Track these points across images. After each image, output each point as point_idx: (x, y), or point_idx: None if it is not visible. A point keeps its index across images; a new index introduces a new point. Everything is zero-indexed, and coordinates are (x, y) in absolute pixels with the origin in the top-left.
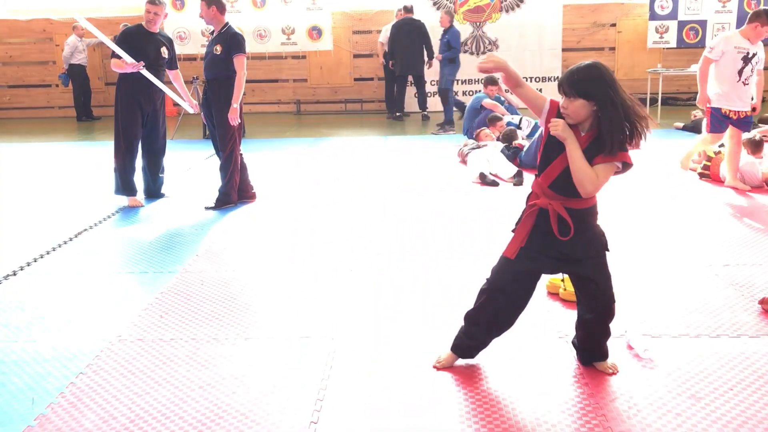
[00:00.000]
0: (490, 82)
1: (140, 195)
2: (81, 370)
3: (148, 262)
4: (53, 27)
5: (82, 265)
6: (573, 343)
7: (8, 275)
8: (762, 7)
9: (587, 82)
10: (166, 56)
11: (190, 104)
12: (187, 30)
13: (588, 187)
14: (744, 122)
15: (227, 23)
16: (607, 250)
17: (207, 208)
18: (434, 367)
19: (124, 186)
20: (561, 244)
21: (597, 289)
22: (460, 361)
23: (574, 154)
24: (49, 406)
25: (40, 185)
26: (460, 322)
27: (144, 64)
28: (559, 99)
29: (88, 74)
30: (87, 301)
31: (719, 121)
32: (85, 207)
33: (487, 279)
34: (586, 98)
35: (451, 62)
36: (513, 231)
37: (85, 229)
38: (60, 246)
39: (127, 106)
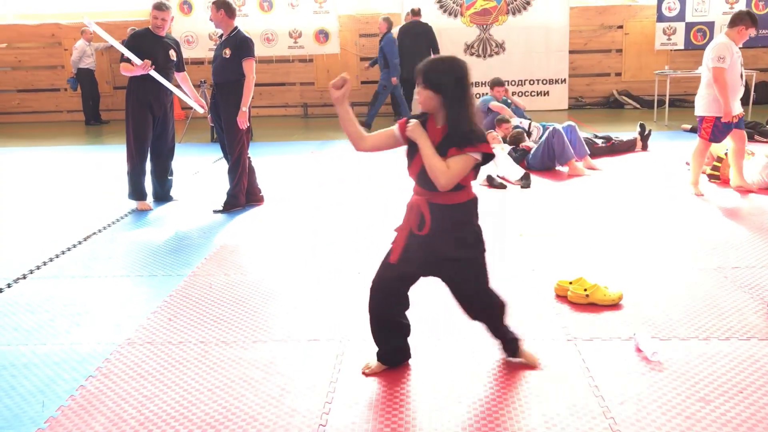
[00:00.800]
0: (497, 83)
1: (149, 198)
2: (90, 373)
3: (157, 265)
4: (62, 31)
5: (92, 268)
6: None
7: (18, 278)
8: (743, 8)
9: (437, 75)
10: (174, 59)
11: (199, 104)
12: (194, 34)
13: (440, 180)
14: (741, 121)
15: (236, 27)
16: (478, 253)
17: (215, 212)
18: (363, 372)
19: (135, 190)
20: (436, 242)
21: (472, 292)
22: (460, 364)
23: (425, 150)
24: (60, 409)
25: (49, 189)
26: (465, 325)
27: (152, 64)
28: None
29: (96, 78)
30: (96, 305)
31: (722, 129)
32: (94, 210)
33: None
34: (434, 90)
35: (386, 68)
36: (395, 230)
37: (94, 233)
38: (69, 249)
39: (138, 110)
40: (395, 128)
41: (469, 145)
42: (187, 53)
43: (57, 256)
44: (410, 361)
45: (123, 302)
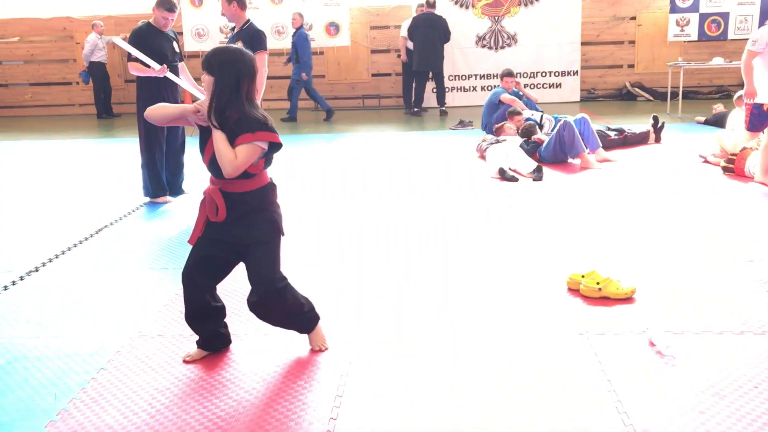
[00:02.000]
0: (507, 74)
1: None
2: (102, 366)
3: (168, 258)
4: (73, 25)
5: (104, 261)
6: None
7: (30, 271)
8: None
9: (217, 62)
10: (178, 51)
11: (200, 92)
12: (205, 27)
13: (227, 168)
14: None
15: (248, 20)
16: (282, 235)
17: None
18: (184, 360)
19: (154, 187)
20: (231, 229)
21: (258, 273)
22: (472, 358)
23: (215, 137)
24: (71, 402)
25: (61, 182)
26: (478, 317)
27: (163, 61)
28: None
29: (108, 72)
30: (108, 297)
31: (760, 117)
32: (106, 203)
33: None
34: (212, 76)
35: (297, 62)
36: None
37: (106, 226)
38: (81, 242)
39: (149, 103)
40: (190, 108)
41: (260, 131)
42: (197, 46)
43: (69, 249)
44: (420, 359)
45: (134, 295)
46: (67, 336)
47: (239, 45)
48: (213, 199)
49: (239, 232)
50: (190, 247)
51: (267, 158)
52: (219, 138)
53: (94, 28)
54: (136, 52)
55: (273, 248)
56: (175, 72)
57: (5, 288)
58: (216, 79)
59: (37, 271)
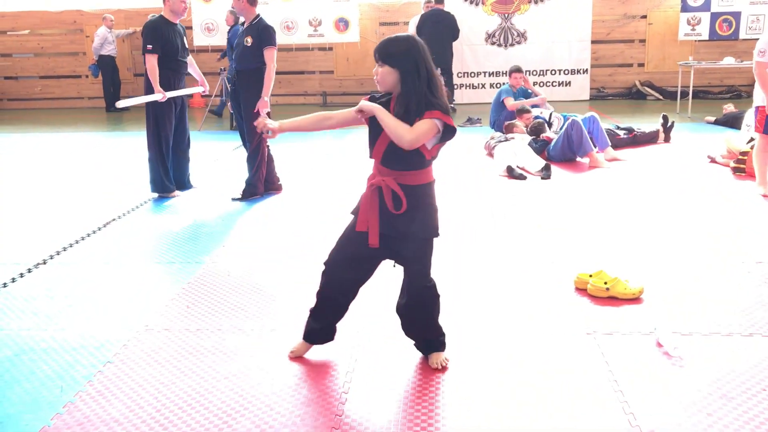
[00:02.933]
0: (515, 70)
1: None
2: (108, 359)
3: (175, 252)
4: (84, 18)
5: (111, 254)
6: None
7: (38, 263)
8: None
9: (395, 52)
10: (186, 46)
11: (202, 84)
12: (214, 21)
13: (406, 137)
14: None
15: (258, 15)
16: (437, 235)
17: (234, 199)
18: (289, 357)
19: (161, 183)
20: (393, 219)
21: (415, 270)
22: (477, 356)
23: (384, 118)
24: (77, 395)
25: (69, 175)
26: (484, 316)
27: (172, 53)
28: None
29: (117, 65)
30: (115, 291)
31: None
32: (114, 197)
33: (325, 261)
34: (392, 66)
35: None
36: (353, 213)
37: (114, 219)
38: (89, 235)
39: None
40: (354, 108)
41: (429, 110)
42: (207, 41)
43: (76, 242)
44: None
45: (141, 289)
46: (74, 329)
47: (249, 41)
48: (391, 190)
49: (403, 224)
50: (198, 241)
51: (439, 147)
52: (387, 115)
53: (104, 21)
54: (138, 99)
55: (429, 248)
56: (183, 67)
57: (13, 280)
58: (398, 70)
59: (44, 263)
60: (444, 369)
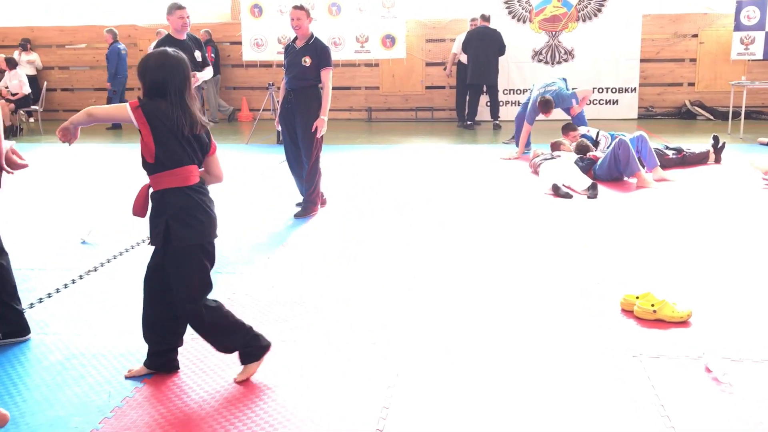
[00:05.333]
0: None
1: None
2: None
3: (220, 263)
4: (138, 33)
5: None
6: None
7: (89, 270)
8: None
9: None
10: (200, 59)
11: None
12: (263, 37)
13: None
14: None
15: (312, 34)
16: (199, 243)
17: (296, 216)
18: (235, 380)
19: None
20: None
21: (172, 281)
22: (522, 376)
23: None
24: (125, 400)
25: (120, 184)
26: (529, 336)
27: None
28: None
29: None
30: None
31: None
32: None
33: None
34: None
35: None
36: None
37: None
38: (138, 244)
39: None
40: (128, 108)
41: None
42: (256, 56)
43: (126, 251)
44: (468, 370)
45: None
46: (123, 335)
47: (307, 60)
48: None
49: (158, 234)
50: (242, 253)
51: None
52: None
53: (158, 36)
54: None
55: (193, 258)
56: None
57: (65, 286)
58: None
59: (95, 270)
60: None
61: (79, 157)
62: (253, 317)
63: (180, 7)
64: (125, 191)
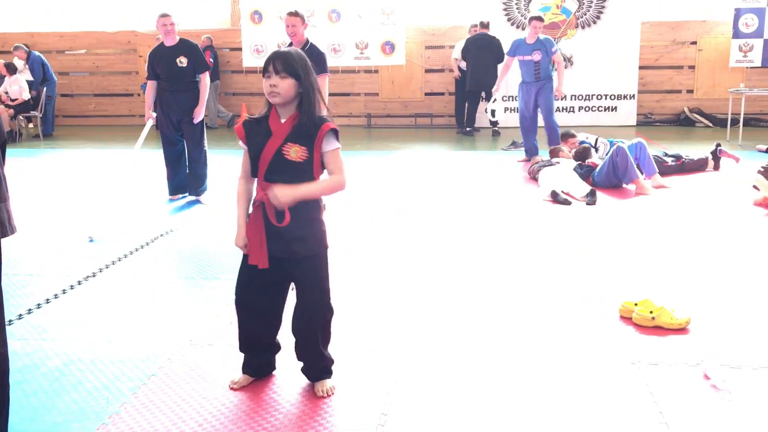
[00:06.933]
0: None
1: (180, 191)
2: (153, 373)
3: (220, 268)
4: (138, 39)
5: (159, 269)
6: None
7: (88, 276)
8: None
9: (292, 63)
10: (185, 65)
11: (197, 114)
12: (263, 43)
13: (343, 183)
14: None
15: (308, 40)
16: (326, 247)
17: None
18: (231, 387)
19: (168, 185)
20: (282, 240)
21: (309, 290)
22: (520, 382)
23: (311, 190)
24: (122, 406)
25: (120, 189)
26: (527, 342)
27: (153, 117)
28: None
29: None
30: (160, 305)
31: None
32: (161, 212)
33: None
34: (295, 78)
35: (45, 81)
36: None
37: (162, 234)
38: (137, 249)
39: (160, 114)
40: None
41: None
42: (256, 62)
43: (125, 256)
44: (467, 378)
45: (185, 304)
46: (121, 341)
47: None
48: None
49: (294, 244)
50: (240, 256)
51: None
52: (315, 189)
53: (158, 42)
54: (140, 140)
55: (324, 265)
56: (179, 85)
57: (63, 291)
58: (300, 82)
59: (93, 276)
60: (329, 395)
61: (77, 163)
62: None
63: (163, 15)
64: (125, 194)
